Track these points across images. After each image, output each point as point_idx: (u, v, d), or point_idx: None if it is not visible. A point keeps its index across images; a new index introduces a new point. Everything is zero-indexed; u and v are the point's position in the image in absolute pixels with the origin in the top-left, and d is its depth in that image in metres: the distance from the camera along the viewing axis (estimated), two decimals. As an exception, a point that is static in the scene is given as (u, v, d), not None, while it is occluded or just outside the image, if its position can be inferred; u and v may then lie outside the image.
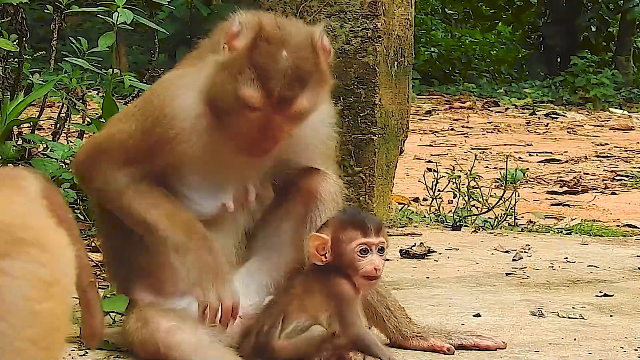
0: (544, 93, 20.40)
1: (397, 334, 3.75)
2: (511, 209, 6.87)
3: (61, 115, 5.97)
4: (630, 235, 6.65)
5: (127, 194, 3.52)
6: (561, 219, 7.38)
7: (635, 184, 9.51)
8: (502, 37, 27.41)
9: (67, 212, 2.29)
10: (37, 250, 2.08)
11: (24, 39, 5.70)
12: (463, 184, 6.98)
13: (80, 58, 5.44)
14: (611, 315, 4.37)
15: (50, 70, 6.11)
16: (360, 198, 6.02)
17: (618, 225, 7.18)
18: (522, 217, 7.15)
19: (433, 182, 7.01)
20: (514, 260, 5.57)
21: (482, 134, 14.08)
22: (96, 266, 4.42)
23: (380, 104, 6.07)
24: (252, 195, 3.63)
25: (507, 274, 5.20)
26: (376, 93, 6.02)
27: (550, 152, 11.94)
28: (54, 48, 6.04)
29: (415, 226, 6.60)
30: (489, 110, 18.00)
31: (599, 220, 7.27)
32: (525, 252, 5.81)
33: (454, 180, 6.96)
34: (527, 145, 12.76)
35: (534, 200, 8.41)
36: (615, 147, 12.78)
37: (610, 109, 18.64)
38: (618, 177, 9.96)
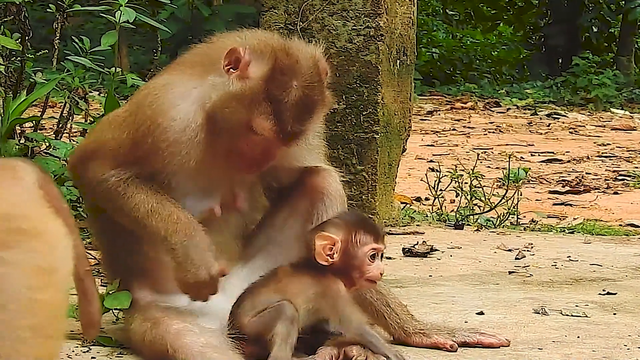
0: (546, 93, 20.39)
1: (400, 331, 3.74)
2: (513, 208, 6.86)
3: (63, 114, 5.97)
4: (633, 235, 6.64)
5: (118, 191, 3.52)
6: (563, 219, 7.38)
7: (638, 184, 9.50)
8: (503, 38, 27.41)
9: (62, 202, 2.30)
10: (35, 239, 2.08)
11: (27, 38, 5.70)
12: (465, 183, 6.98)
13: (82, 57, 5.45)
14: (614, 314, 4.36)
15: (52, 69, 6.11)
16: (363, 196, 6.02)
17: (620, 225, 7.18)
18: (525, 216, 7.14)
19: (435, 181, 7.01)
20: (516, 258, 5.56)
21: (484, 134, 14.07)
22: (98, 264, 4.42)
23: (383, 103, 6.06)
24: (240, 200, 3.64)
25: (510, 273, 5.19)
26: (379, 91, 6.02)
27: (552, 152, 11.93)
28: (56, 47, 6.03)
29: (417, 225, 6.59)
30: (491, 110, 17.98)
31: (602, 220, 7.26)
32: (528, 250, 5.80)
33: (456, 179, 6.96)
34: (529, 145, 12.75)
35: (536, 200, 8.40)
36: (617, 147, 12.77)
37: (611, 109, 18.63)
38: (620, 177, 9.96)
